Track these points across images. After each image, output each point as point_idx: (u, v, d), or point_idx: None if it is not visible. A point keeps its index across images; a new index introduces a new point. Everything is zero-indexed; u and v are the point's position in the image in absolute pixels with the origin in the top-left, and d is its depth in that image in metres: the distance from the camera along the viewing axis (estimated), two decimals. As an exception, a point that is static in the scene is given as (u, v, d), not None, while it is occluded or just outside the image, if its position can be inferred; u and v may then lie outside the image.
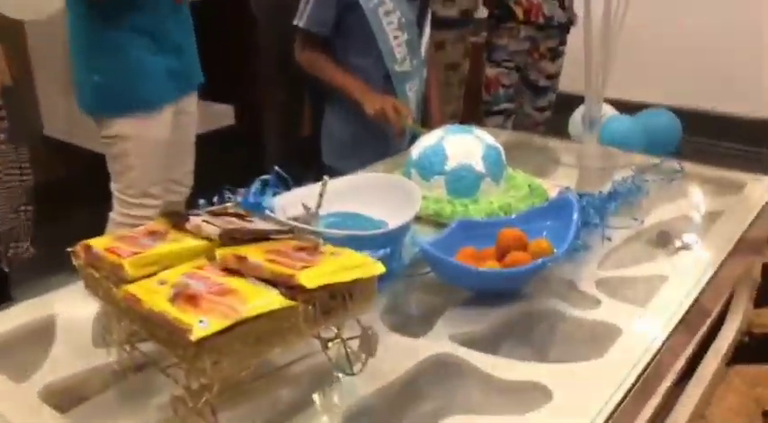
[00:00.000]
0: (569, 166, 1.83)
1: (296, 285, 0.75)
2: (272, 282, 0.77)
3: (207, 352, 0.69)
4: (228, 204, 1.07)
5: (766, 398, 1.58)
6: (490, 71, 2.56)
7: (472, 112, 2.72)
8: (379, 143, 1.90)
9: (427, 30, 1.97)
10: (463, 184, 1.46)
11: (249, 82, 2.37)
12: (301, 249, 0.85)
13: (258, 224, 0.93)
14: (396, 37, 1.83)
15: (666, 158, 1.74)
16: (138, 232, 0.89)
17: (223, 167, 2.02)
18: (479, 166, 1.46)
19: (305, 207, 1.12)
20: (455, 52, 2.59)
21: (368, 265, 0.81)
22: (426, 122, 2.03)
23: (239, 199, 1.34)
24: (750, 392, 1.57)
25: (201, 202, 1.31)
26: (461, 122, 2.62)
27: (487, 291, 1.12)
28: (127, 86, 1.71)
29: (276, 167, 1.42)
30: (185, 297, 0.72)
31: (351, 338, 0.90)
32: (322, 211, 1.12)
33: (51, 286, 1.11)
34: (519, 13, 2.46)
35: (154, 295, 0.73)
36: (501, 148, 1.52)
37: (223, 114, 2.35)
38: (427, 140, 1.52)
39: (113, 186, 1.82)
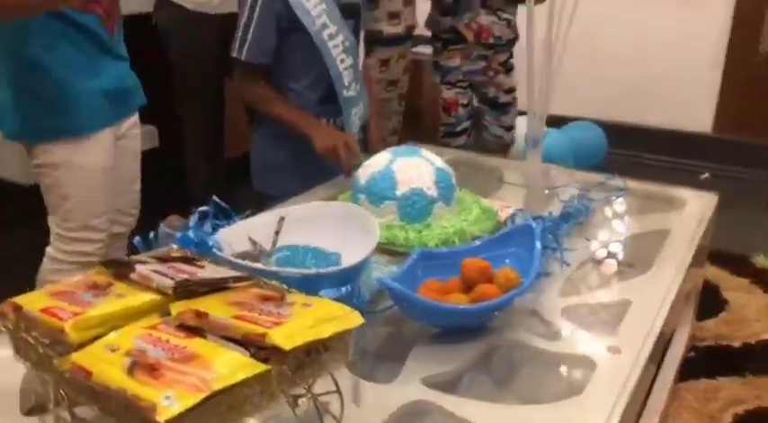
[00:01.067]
0: (513, 185, 1.80)
1: (269, 346, 0.67)
2: (240, 341, 0.69)
3: (174, 431, 0.59)
4: (173, 246, 0.97)
5: (721, 414, 1.59)
6: (447, 93, 2.52)
7: (413, 130, 2.68)
8: (312, 167, 1.81)
9: (361, 52, 1.90)
10: (415, 208, 1.40)
11: (168, 101, 2.23)
12: (266, 299, 0.77)
13: (212, 271, 0.84)
14: (342, 60, 1.75)
15: (609, 176, 1.74)
16: (76, 286, 0.78)
17: (149, 194, 1.89)
18: (431, 191, 1.41)
19: (252, 242, 1.03)
20: (397, 68, 2.55)
21: (346, 317, 0.74)
22: (365, 143, 1.96)
23: (177, 234, 1.24)
24: (704, 409, 1.58)
25: (137, 239, 1.21)
26: (400, 139, 2.59)
27: (458, 326, 1.06)
28: (56, 109, 1.54)
29: (214, 197, 1.32)
30: (144, 367, 0.63)
31: (321, 394, 0.82)
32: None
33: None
34: (469, 36, 2.44)
35: (106, 366, 0.63)
36: (451, 171, 1.47)
37: (147, 136, 2.21)
38: (375, 165, 1.45)
39: (50, 219, 1.65)
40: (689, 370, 1.75)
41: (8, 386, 0.88)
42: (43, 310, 0.71)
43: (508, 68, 2.57)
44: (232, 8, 2.01)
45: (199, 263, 0.87)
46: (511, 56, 2.57)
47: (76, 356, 0.65)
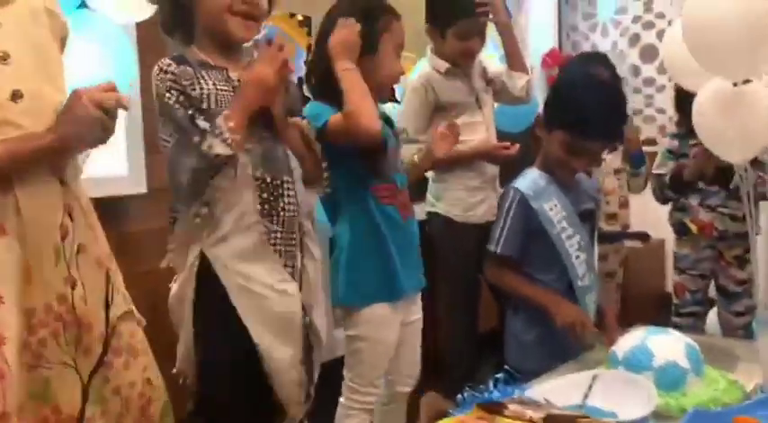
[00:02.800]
0: (748, 362, 1.98)
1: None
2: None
3: None
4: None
5: None
6: (676, 278, 2.84)
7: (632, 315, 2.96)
8: (560, 345, 2.11)
9: (596, 247, 2.26)
10: (671, 378, 1.64)
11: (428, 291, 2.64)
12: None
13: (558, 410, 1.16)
14: (577, 256, 2.12)
15: None
16: (468, 419, 1.13)
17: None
18: (684, 363, 1.65)
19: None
20: (613, 262, 2.90)
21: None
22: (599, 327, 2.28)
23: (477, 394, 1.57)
24: None
25: (460, 397, 1.55)
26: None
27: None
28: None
29: (507, 367, 1.66)
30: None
31: None
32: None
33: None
34: (694, 229, 2.80)
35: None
36: (698, 346, 1.72)
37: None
38: (631, 340, 1.73)
39: (345, 372, 2.12)
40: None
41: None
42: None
43: (743, 262, 2.81)
44: (490, 217, 2.46)
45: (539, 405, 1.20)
46: (747, 251, 2.81)
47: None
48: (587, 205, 2.20)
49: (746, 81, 1.78)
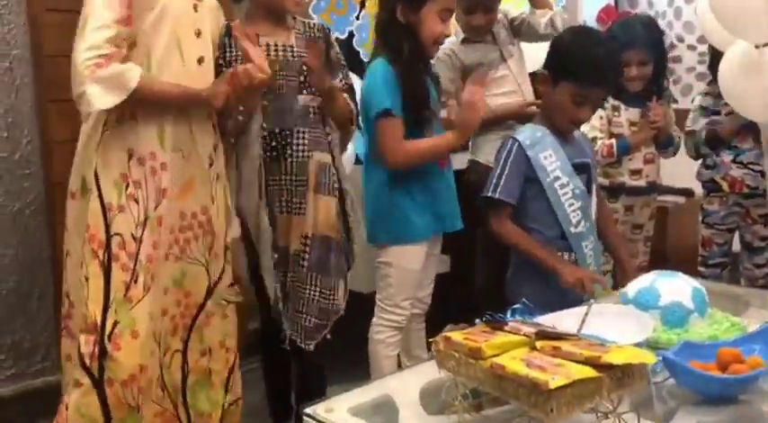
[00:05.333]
0: (758, 308, 2.12)
1: (603, 364, 1.14)
2: (582, 362, 1.17)
3: (554, 398, 1.08)
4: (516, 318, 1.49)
5: None
6: (705, 232, 3.02)
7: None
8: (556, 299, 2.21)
9: (594, 197, 2.38)
10: (675, 317, 1.80)
11: (462, 240, 2.82)
12: (591, 344, 1.25)
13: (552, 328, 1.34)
14: (571, 204, 2.25)
15: None
16: (473, 332, 1.32)
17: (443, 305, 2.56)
18: (689, 303, 1.81)
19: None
20: (642, 215, 3.03)
21: (647, 355, 1.20)
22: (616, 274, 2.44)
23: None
24: None
25: (477, 321, 1.75)
26: (646, 275, 3.01)
27: (717, 395, 1.43)
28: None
29: (524, 299, 1.84)
30: (534, 366, 1.13)
31: (624, 413, 1.25)
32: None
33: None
34: (725, 186, 2.92)
35: (512, 364, 1.15)
36: (704, 289, 1.86)
37: (442, 262, 2.85)
38: (642, 282, 1.89)
39: (377, 296, 2.46)
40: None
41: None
42: (464, 339, 1.26)
43: (767, 221, 2.92)
44: None
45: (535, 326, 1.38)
46: None
47: (494, 360, 1.18)
48: (583, 159, 2.34)
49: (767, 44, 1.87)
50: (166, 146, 2.07)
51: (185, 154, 2.12)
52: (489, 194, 2.26)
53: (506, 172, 2.25)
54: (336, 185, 2.39)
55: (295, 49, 2.32)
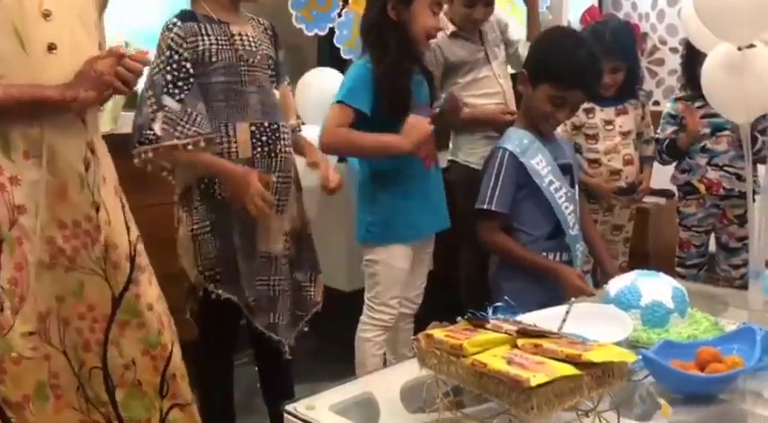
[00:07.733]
0: (737, 308, 2.14)
1: (584, 362, 1.15)
2: (563, 360, 1.17)
3: (535, 395, 1.08)
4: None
5: None
6: (683, 234, 3.04)
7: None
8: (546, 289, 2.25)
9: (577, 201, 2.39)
10: (656, 316, 1.81)
11: (444, 238, 2.82)
12: (573, 342, 1.25)
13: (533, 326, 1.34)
14: (566, 207, 2.27)
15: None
16: (455, 329, 1.32)
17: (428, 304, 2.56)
18: (669, 303, 1.82)
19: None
20: (622, 216, 3.05)
21: (627, 354, 1.20)
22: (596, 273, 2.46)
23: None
24: None
25: (459, 318, 1.75)
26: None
27: (697, 393, 1.45)
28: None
29: (506, 298, 1.85)
30: (515, 363, 1.13)
31: (604, 411, 1.26)
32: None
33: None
34: (702, 188, 2.96)
35: (493, 362, 1.15)
36: (685, 290, 1.88)
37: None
38: (622, 282, 1.90)
39: (365, 295, 2.46)
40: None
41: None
42: (446, 336, 1.26)
43: (742, 222, 2.95)
44: None
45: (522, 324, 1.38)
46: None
47: (476, 357, 1.18)
48: (566, 160, 2.36)
49: (750, 46, 1.89)
50: (14, 156, 1.75)
51: (47, 160, 1.77)
52: (485, 207, 2.25)
53: (500, 184, 2.24)
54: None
55: (257, 40, 2.23)
